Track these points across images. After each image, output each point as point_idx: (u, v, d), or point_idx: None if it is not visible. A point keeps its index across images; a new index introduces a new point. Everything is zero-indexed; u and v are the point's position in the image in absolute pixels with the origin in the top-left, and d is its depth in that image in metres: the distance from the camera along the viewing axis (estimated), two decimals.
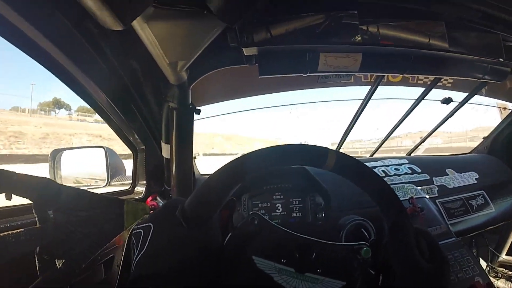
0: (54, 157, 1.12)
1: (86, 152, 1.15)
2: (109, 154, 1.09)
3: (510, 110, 1.50)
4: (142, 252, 0.40)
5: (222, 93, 1.02)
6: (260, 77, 0.79)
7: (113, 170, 1.10)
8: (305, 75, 0.81)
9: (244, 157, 0.45)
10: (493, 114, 1.66)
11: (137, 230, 0.42)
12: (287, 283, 0.50)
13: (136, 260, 0.40)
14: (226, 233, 0.51)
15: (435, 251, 0.47)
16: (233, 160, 0.44)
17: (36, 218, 0.61)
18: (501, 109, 1.62)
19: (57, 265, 0.62)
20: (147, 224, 0.42)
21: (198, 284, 0.41)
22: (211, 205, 0.43)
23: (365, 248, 0.50)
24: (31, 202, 0.60)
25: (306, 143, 0.50)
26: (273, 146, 0.46)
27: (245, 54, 0.76)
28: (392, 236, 0.47)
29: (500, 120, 1.59)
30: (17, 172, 0.58)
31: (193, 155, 1.04)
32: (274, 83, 1.05)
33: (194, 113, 0.86)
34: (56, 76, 0.77)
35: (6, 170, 0.55)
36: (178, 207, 0.42)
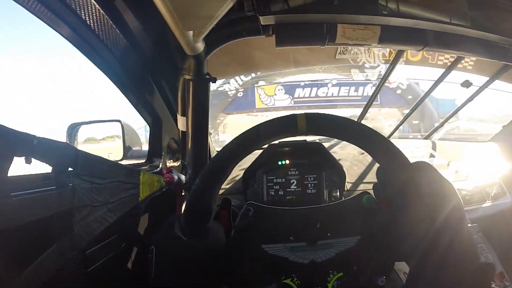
0: (72, 131, 1.15)
1: (103, 126, 1.17)
2: (126, 128, 1.11)
3: None
4: (153, 275, 0.43)
5: (237, 68, 1.02)
6: (276, 47, 0.79)
7: (129, 144, 1.12)
8: (323, 46, 0.80)
9: (220, 156, 0.47)
10: None
11: (149, 255, 0.45)
12: (304, 258, 0.50)
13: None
14: (230, 231, 0.52)
15: None
16: (213, 166, 0.46)
17: (55, 183, 0.58)
18: None
19: (74, 231, 0.59)
20: (151, 248, 0.45)
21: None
22: (203, 213, 0.45)
23: (366, 196, 0.49)
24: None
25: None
26: (241, 134, 0.46)
27: (261, 23, 0.76)
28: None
29: None
30: (37, 136, 0.54)
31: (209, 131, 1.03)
32: (291, 58, 1.04)
33: (211, 82, 0.86)
34: (76, 47, 0.79)
35: (27, 133, 0.52)
36: (176, 222, 0.46)
